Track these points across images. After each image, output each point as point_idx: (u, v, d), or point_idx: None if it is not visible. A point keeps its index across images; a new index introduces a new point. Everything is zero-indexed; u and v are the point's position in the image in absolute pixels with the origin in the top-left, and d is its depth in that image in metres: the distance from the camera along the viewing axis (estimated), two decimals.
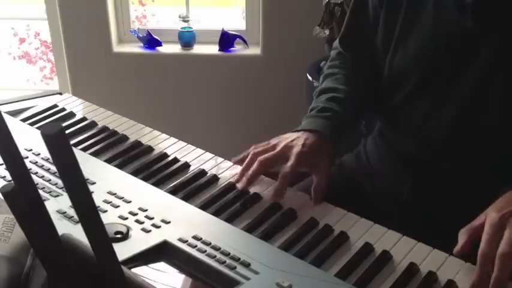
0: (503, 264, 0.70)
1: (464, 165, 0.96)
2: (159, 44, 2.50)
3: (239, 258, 0.74)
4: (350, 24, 1.14)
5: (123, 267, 0.55)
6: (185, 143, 1.06)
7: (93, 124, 1.12)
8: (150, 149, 1.04)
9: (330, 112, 1.02)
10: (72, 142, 1.04)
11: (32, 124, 1.11)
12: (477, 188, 0.93)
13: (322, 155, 0.96)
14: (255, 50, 2.48)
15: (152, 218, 0.81)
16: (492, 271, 0.71)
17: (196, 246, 0.76)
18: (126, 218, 0.80)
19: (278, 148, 0.95)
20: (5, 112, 1.11)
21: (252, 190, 0.93)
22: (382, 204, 1.06)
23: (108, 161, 0.99)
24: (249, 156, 0.95)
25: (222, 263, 0.73)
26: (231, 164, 1.00)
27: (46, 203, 0.53)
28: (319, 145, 0.96)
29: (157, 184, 0.93)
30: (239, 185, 0.93)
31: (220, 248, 0.75)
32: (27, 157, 0.96)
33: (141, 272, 0.73)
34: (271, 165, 0.94)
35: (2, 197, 0.51)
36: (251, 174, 0.92)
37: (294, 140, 0.96)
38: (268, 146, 0.97)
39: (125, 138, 1.08)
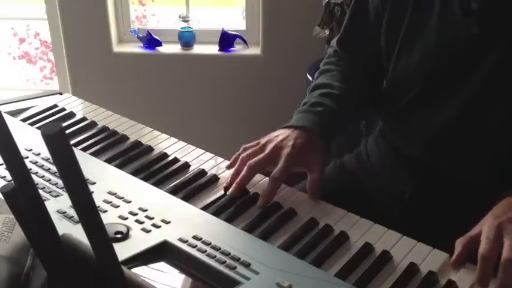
0: (507, 270, 0.70)
1: (467, 168, 0.96)
2: (159, 44, 2.50)
3: (239, 258, 0.74)
4: (349, 27, 1.14)
5: (123, 267, 0.55)
6: (185, 143, 1.06)
7: (93, 124, 1.12)
8: (150, 149, 1.04)
9: (321, 107, 1.01)
10: (72, 142, 1.04)
11: (32, 124, 1.11)
12: (479, 191, 0.93)
13: (314, 152, 0.95)
14: (255, 50, 2.48)
15: (152, 218, 0.81)
16: (490, 273, 0.71)
17: (196, 246, 0.76)
18: (126, 218, 0.80)
19: (267, 150, 0.94)
20: (5, 112, 1.11)
21: (252, 190, 0.93)
22: (383, 204, 1.06)
23: (108, 161, 0.99)
24: (238, 162, 0.94)
25: (222, 263, 0.73)
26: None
27: (46, 203, 0.53)
28: (310, 143, 0.95)
29: (157, 184, 0.93)
30: (229, 192, 0.91)
31: (220, 248, 0.75)
32: (27, 157, 0.96)
33: (141, 272, 0.73)
34: (260, 168, 0.93)
35: (2, 197, 0.51)
36: (240, 180, 0.91)
37: (284, 139, 0.95)
38: (257, 148, 0.95)
39: (125, 138, 1.08)
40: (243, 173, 0.91)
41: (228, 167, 0.97)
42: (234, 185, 0.91)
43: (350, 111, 1.07)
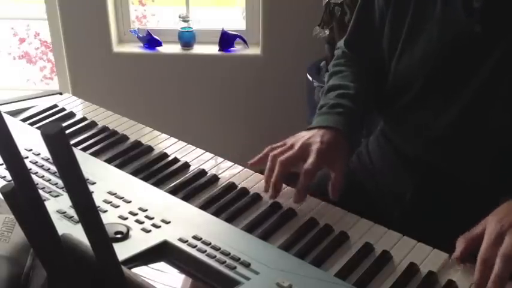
0: (504, 263, 0.71)
1: (468, 168, 0.96)
2: (159, 44, 2.50)
3: (239, 258, 0.74)
4: (356, 27, 1.14)
5: (123, 267, 0.55)
6: (185, 143, 1.06)
7: (93, 124, 1.12)
8: (150, 149, 1.04)
9: (342, 108, 1.02)
10: (72, 142, 1.04)
11: (32, 124, 1.11)
12: (480, 191, 0.93)
13: (339, 151, 0.96)
14: (255, 50, 2.48)
15: (152, 218, 0.81)
16: (489, 276, 0.71)
17: (196, 246, 0.76)
18: (126, 218, 0.80)
19: (296, 147, 0.94)
20: (5, 112, 1.11)
21: (252, 190, 0.93)
22: (384, 204, 1.06)
23: (108, 161, 0.99)
24: (269, 160, 0.93)
25: (222, 263, 0.73)
26: (231, 163, 1.00)
27: (46, 203, 0.53)
28: (336, 141, 0.95)
29: (157, 184, 0.93)
30: (269, 196, 0.90)
31: (220, 248, 0.75)
32: (27, 157, 0.96)
33: (141, 272, 0.73)
34: (292, 165, 0.92)
35: (2, 197, 0.51)
36: (275, 179, 0.90)
37: (311, 137, 0.95)
38: (285, 147, 0.95)
39: (125, 138, 1.08)
40: (276, 171, 0.90)
41: (253, 165, 0.96)
42: (271, 186, 0.90)
43: (366, 110, 1.07)
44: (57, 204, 0.82)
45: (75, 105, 1.19)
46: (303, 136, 0.96)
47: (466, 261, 0.77)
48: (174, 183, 0.94)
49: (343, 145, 0.97)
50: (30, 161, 0.94)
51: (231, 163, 1.00)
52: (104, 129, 1.10)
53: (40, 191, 0.76)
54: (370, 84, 1.10)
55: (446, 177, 0.98)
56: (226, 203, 0.89)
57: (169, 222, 0.81)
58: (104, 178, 0.90)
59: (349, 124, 0.99)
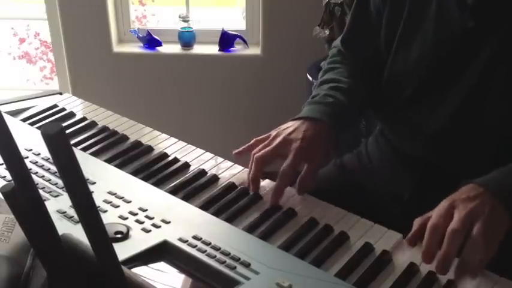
0: (451, 239, 0.72)
1: (467, 166, 0.96)
2: (159, 44, 2.50)
3: (239, 258, 0.74)
4: (352, 26, 1.14)
5: (123, 267, 0.55)
6: (185, 143, 1.06)
7: (93, 124, 1.12)
8: (150, 149, 1.04)
9: (332, 99, 1.01)
10: (72, 142, 1.04)
11: (32, 124, 1.11)
12: None
13: (321, 145, 0.95)
14: (255, 50, 2.48)
15: (152, 218, 0.81)
16: (437, 245, 0.73)
17: (196, 246, 0.76)
18: (126, 218, 0.81)
19: (275, 143, 0.94)
20: (5, 112, 1.11)
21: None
22: (383, 204, 1.06)
23: (108, 161, 0.99)
24: (251, 159, 0.94)
25: (222, 263, 0.73)
26: (231, 163, 1.00)
27: (46, 203, 0.53)
28: (319, 135, 0.95)
29: (157, 184, 0.93)
30: (250, 190, 0.92)
31: (220, 248, 0.75)
32: (27, 157, 0.96)
33: (141, 272, 0.73)
34: (269, 161, 0.93)
35: (2, 197, 0.51)
36: (252, 175, 0.92)
37: (293, 132, 0.95)
38: (268, 141, 0.96)
39: (125, 138, 1.08)
40: (252, 170, 0.92)
41: (236, 154, 0.98)
42: (250, 185, 0.92)
43: (358, 106, 1.07)
44: (57, 204, 0.82)
45: (75, 105, 1.19)
46: (285, 129, 0.96)
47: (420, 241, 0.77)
48: (174, 183, 0.94)
49: (327, 137, 0.96)
50: (30, 161, 0.94)
51: (231, 163, 1.00)
52: (104, 129, 1.10)
53: (40, 191, 0.76)
54: (367, 80, 1.09)
55: (445, 175, 0.98)
56: (226, 203, 0.89)
57: (169, 222, 0.81)
58: (104, 178, 0.90)
59: (336, 115, 0.99)
